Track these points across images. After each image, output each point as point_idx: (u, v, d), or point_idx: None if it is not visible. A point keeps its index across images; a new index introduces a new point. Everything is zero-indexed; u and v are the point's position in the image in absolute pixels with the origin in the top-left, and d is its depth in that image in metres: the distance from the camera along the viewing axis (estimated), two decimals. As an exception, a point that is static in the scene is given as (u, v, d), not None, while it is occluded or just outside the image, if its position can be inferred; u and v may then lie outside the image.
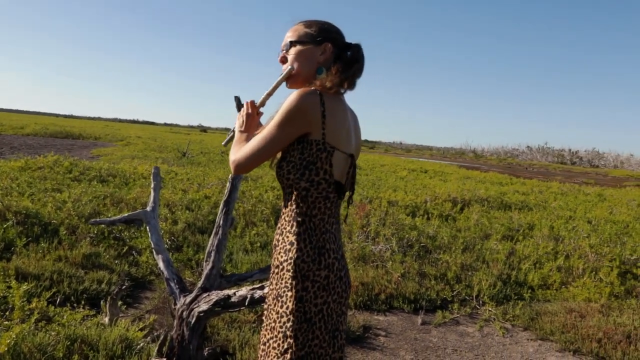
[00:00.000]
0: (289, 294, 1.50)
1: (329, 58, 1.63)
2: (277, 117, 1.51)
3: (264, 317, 1.62)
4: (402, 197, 9.30)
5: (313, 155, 1.52)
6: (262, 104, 1.76)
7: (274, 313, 1.54)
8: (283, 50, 1.67)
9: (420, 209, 8.62)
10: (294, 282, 1.50)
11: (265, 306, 1.62)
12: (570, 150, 76.32)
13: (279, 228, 1.61)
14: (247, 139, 1.68)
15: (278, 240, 1.60)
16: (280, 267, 1.54)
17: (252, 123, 1.74)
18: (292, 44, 1.65)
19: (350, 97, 1.78)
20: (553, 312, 4.36)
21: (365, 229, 6.29)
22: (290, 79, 1.66)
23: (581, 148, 75.82)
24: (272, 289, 1.58)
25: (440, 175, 18.67)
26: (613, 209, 11.17)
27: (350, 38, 1.69)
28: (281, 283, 1.53)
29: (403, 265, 5.12)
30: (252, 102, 1.77)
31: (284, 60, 1.67)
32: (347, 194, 1.68)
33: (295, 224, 1.54)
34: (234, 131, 1.85)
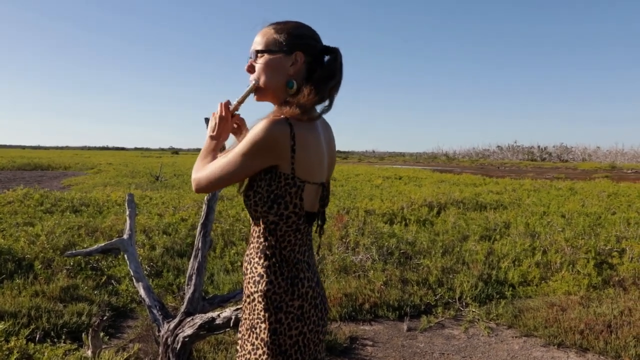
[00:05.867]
0: (262, 325, 1.42)
1: (300, 69, 1.47)
2: (243, 145, 1.37)
3: (238, 347, 1.53)
4: (378, 206, 9.36)
5: (281, 189, 1.41)
6: (235, 110, 1.59)
7: (248, 344, 1.47)
8: (250, 57, 1.52)
9: (397, 215, 8.68)
10: (266, 314, 1.42)
11: (239, 335, 1.53)
12: (539, 146, 77.97)
13: (247, 255, 1.52)
14: (217, 147, 1.56)
15: (247, 269, 1.50)
16: (252, 297, 1.46)
17: (225, 127, 1.58)
18: (258, 52, 1.48)
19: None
20: (535, 308, 4.43)
21: (344, 239, 6.30)
22: (258, 93, 1.51)
23: (550, 144, 77.59)
24: (246, 319, 1.50)
25: (415, 181, 18.84)
26: (585, 201, 11.42)
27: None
28: (254, 314, 1.46)
29: (385, 273, 5.14)
30: (227, 104, 1.58)
31: (251, 69, 1.51)
32: (317, 222, 1.58)
33: (263, 256, 1.45)
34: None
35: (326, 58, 1.51)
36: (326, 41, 1.55)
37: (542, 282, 5.22)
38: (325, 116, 1.55)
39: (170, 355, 2.73)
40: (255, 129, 1.36)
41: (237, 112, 1.60)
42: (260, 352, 1.42)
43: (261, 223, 1.45)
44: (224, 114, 1.56)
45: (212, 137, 1.57)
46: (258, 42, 1.49)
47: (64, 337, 3.63)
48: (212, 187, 1.46)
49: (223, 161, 1.42)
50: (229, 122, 1.58)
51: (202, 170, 1.47)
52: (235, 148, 1.40)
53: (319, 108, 1.49)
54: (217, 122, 1.57)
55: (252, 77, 1.51)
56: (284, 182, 1.40)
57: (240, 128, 1.63)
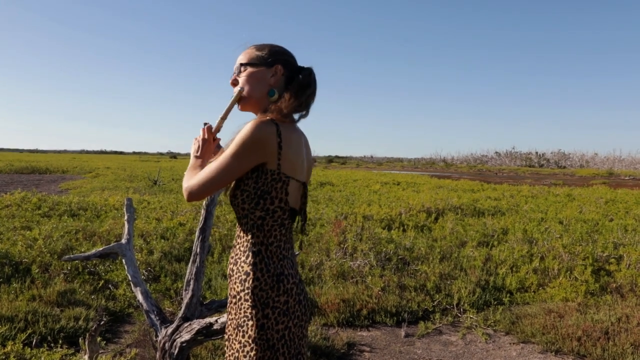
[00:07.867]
0: (250, 323, 1.50)
1: (280, 80, 1.64)
2: (233, 147, 1.49)
3: (225, 348, 1.60)
4: (377, 211, 9.36)
5: (268, 185, 1.53)
6: (218, 129, 1.74)
7: (236, 343, 1.53)
8: (235, 73, 1.68)
9: (395, 221, 8.67)
10: (254, 311, 1.50)
11: (226, 337, 1.60)
12: (537, 152, 77.97)
13: (232, 257, 1.61)
14: (202, 165, 1.66)
15: (232, 270, 1.59)
16: (238, 297, 1.54)
17: (208, 149, 1.72)
18: (242, 66, 1.65)
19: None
20: (532, 315, 4.43)
21: (342, 245, 6.30)
22: (242, 102, 1.65)
23: (547, 150, 77.44)
24: (232, 319, 1.57)
25: (413, 186, 18.83)
26: (582, 207, 11.43)
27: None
28: (240, 313, 1.53)
29: (382, 279, 5.14)
30: (209, 128, 1.74)
31: (235, 82, 1.67)
32: (299, 222, 1.68)
33: (250, 254, 1.54)
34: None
35: (301, 75, 1.66)
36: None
37: (540, 288, 5.23)
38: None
39: (168, 360, 2.72)
40: (244, 130, 1.49)
41: (218, 136, 1.76)
42: (248, 348, 1.50)
43: (248, 220, 1.56)
44: (206, 137, 1.72)
45: (197, 157, 1.70)
46: (241, 58, 1.67)
47: (60, 341, 3.62)
48: (206, 191, 1.54)
49: (213, 166, 1.53)
50: (211, 144, 1.74)
51: (193, 179, 1.57)
52: (225, 152, 1.52)
53: (296, 115, 1.65)
54: (200, 144, 1.72)
55: (235, 88, 1.66)
56: (271, 177, 1.52)
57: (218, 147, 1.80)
